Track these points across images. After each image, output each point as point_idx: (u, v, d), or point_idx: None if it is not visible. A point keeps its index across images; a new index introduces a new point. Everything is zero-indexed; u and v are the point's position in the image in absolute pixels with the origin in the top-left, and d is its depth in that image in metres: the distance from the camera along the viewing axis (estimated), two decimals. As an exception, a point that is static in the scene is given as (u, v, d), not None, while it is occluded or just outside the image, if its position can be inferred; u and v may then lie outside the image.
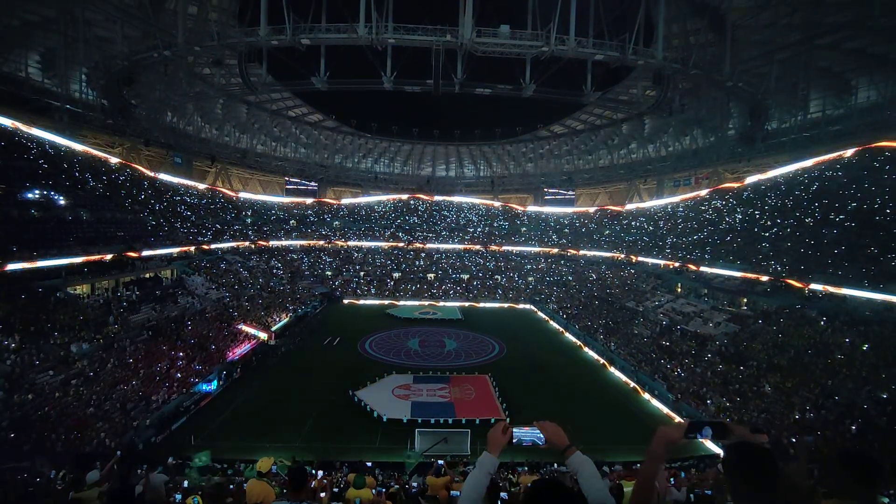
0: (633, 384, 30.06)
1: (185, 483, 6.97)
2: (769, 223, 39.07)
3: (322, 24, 29.95)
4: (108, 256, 30.36)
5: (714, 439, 2.07)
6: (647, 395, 28.12)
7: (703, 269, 40.69)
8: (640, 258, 52.67)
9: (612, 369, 33.11)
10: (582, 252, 62.75)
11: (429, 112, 67.55)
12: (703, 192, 55.29)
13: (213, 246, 47.37)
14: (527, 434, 2.27)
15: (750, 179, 48.43)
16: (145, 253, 35.22)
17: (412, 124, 71.57)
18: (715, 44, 33.74)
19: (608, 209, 71.05)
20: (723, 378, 26.35)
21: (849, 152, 38.46)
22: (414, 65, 33.20)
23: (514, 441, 2.27)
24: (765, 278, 33.63)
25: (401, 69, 32.86)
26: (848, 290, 27.22)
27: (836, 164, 38.69)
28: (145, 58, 32.94)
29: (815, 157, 41.19)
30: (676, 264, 45.38)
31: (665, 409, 26.01)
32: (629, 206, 68.45)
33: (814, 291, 29.79)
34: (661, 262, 48.59)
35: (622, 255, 56.03)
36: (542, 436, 2.22)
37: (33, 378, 20.39)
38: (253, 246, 55.88)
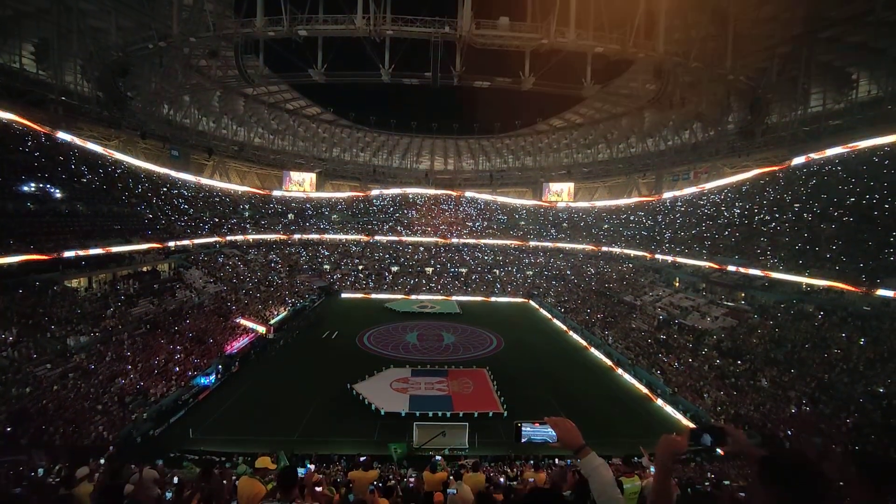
0: (625, 374, 30.62)
1: (175, 479, 6.93)
2: (767, 217, 39.05)
3: (319, 14, 29.60)
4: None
5: (714, 446, 1.94)
6: (640, 386, 28.38)
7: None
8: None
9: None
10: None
11: (426, 104, 67.36)
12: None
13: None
14: (537, 431, 2.18)
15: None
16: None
17: (411, 118, 71.40)
18: (716, 37, 33.46)
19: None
20: (720, 372, 26.48)
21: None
22: (412, 57, 32.92)
23: (523, 440, 2.19)
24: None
25: (399, 61, 32.56)
26: (844, 284, 27.27)
27: (833, 160, 38.56)
28: (140, 49, 32.58)
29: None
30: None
31: (666, 407, 26.21)
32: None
33: (811, 286, 29.91)
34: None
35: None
36: (553, 433, 2.12)
37: (31, 371, 20.36)
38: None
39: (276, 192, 70.15)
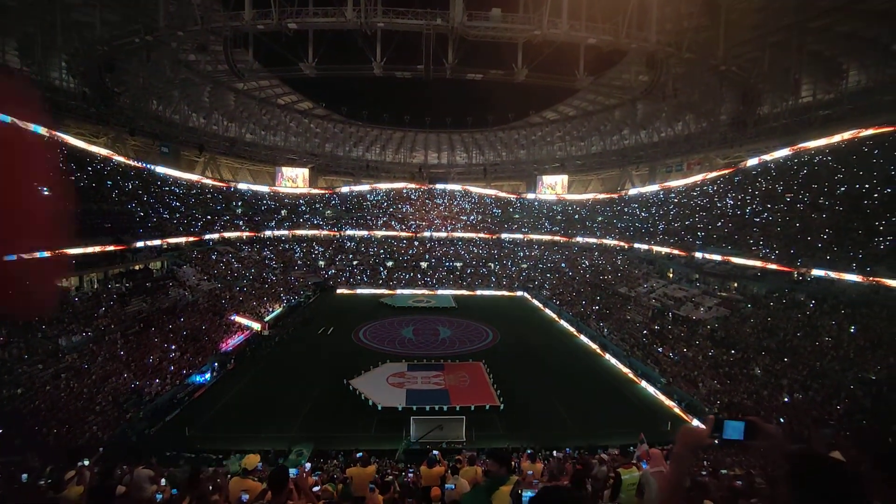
0: (618, 363, 31.02)
1: (163, 481, 6.85)
2: (759, 208, 39.31)
3: (309, 7, 29.19)
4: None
5: (746, 439, 1.67)
6: (631, 374, 28.66)
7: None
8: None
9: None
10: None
11: (420, 98, 66.85)
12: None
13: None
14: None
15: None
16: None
17: (403, 112, 70.99)
18: (708, 27, 33.44)
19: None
20: (713, 361, 26.73)
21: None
22: (404, 50, 32.62)
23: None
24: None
25: (391, 54, 32.25)
26: (836, 273, 27.59)
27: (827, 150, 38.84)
28: (126, 43, 32.00)
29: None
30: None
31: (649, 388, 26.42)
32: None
33: (803, 275, 30.24)
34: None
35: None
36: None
37: (23, 372, 20.13)
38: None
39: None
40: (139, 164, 48.13)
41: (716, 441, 1.70)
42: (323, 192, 74.20)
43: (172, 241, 43.35)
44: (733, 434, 1.68)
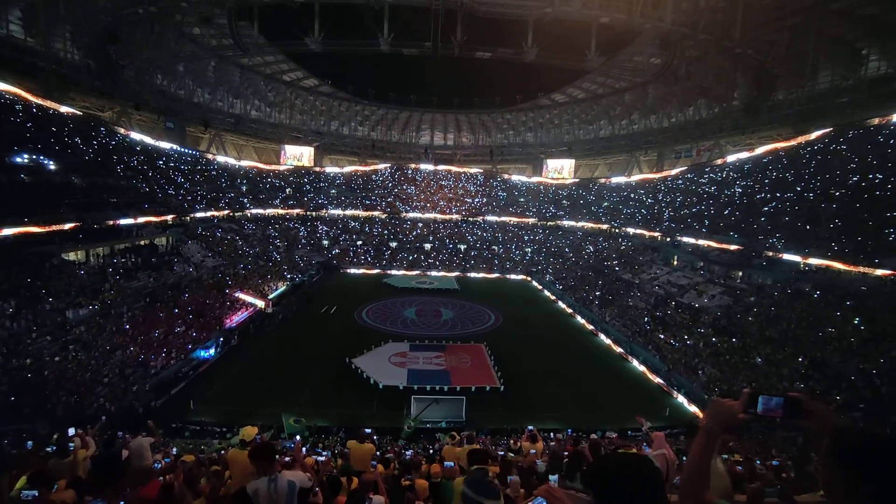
0: (619, 350, 31.25)
1: (174, 450, 6.97)
2: (768, 197, 38.75)
3: (316, -21, 28.57)
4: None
5: (786, 417, 1.50)
6: (634, 362, 28.90)
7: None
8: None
9: (600, 335, 34.41)
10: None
11: (427, 78, 65.77)
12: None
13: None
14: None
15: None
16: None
17: (410, 91, 70.08)
18: (726, 8, 32.46)
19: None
20: (714, 350, 26.76)
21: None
22: (412, 26, 31.95)
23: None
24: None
25: (398, 31, 31.61)
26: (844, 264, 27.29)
27: (837, 137, 37.98)
28: (130, 14, 31.47)
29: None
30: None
31: (657, 380, 26.55)
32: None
33: (809, 265, 29.98)
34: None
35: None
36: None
37: (31, 343, 20.45)
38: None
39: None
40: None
41: (750, 416, 1.57)
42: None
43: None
44: (771, 410, 1.54)
